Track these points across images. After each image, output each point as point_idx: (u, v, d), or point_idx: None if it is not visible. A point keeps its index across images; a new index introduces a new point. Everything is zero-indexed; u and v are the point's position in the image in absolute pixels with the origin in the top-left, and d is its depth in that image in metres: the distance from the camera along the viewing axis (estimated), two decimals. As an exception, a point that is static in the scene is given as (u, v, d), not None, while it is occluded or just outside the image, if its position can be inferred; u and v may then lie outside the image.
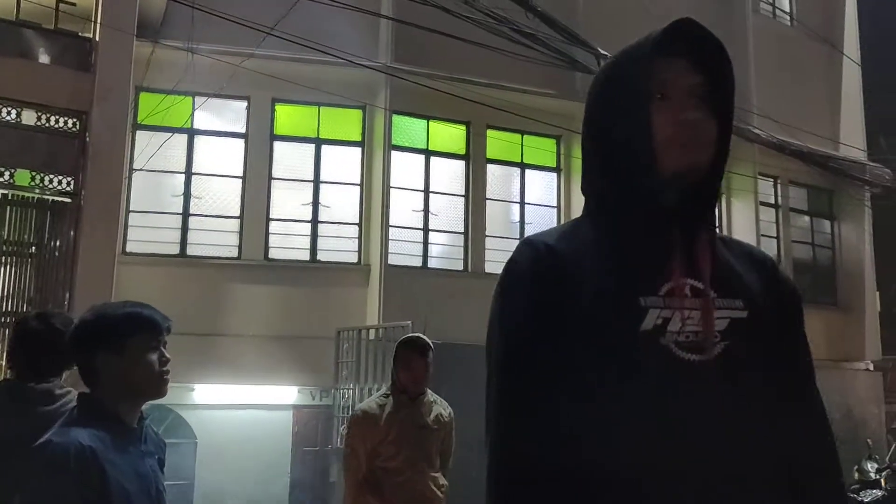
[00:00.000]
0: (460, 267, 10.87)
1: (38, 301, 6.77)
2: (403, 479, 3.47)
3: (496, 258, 11.06)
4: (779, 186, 13.09)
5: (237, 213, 9.88)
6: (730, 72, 1.29)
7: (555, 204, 11.62)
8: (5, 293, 6.79)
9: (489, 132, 11.08)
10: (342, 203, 10.38)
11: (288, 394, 10.00)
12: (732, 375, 1.23)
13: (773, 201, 13.06)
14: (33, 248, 6.76)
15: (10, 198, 6.72)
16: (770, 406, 1.27)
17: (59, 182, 6.67)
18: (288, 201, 10.18)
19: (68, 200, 6.69)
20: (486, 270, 10.89)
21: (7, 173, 6.49)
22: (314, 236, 10.16)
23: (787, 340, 1.33)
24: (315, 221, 10.20)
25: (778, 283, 1.37)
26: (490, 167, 11.19)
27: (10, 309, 6.74)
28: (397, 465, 3.47)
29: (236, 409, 9.60)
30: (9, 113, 6.40)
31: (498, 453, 1.27)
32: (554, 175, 11.71)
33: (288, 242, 10.09)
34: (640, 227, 1.28)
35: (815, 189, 13.45)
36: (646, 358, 1.21)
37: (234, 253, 9.79)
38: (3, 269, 6.82)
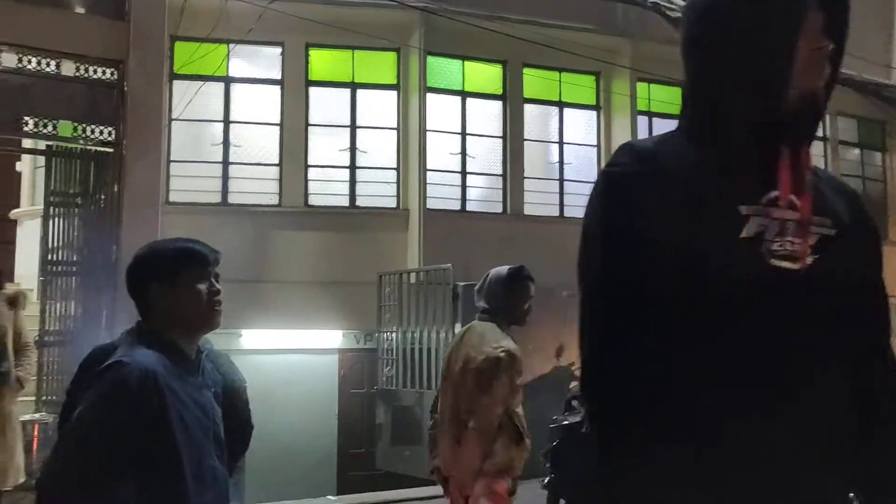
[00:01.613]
0: (499, 209, 10.81)
1: (86, 252, 6.90)
2: (522, 413, 3.45)
3: (535, 200, 10.97)
4: (827, 118, 12.65)
5: (276, 161, 9.91)
6: (848, 15, 1.36)
7: (595, 143, 11.41)
8: (55, 244, 6.94)
9: (526, 70, 10.86)
10: (379, 148, 10.33)
11: (333, 338, 10.16)
12: (821, 287, 1.28)
13: (821, 134, 12.65)
14: (79, 198, 6.87)
15: (54, 149, 6.81)
16: (847, 329, 1.31)
17: (101, 132, 6.71)
18: (325, 147, 10.17)
19: (110, 150, 6.75)
20: (526, 212, 10.81)
21: (51, 125, 6.56)
22: (353, 182, 10.17)
23: (866, 274, 1.39)
24: (353, 167, 10.19)
25: (865, 219, 1.43)
26: (528, 107, 11.00)
27: (59, 258, 6.89)
28: (522, 398, 3.45)
29: (284, 353, 9.79)
30: (48, 64, 6.42)
31: (593, 359, 1.31)
32: (593, 113, 11.48)
33: (327, 189, 10.12)
34: (746, 138, 1.31)
35: (866, 120, 12.97)
36: (743, 265, 1.25)
37: (275, 200, 9.86)
38: (52, 220, 6.96)
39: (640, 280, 1.26)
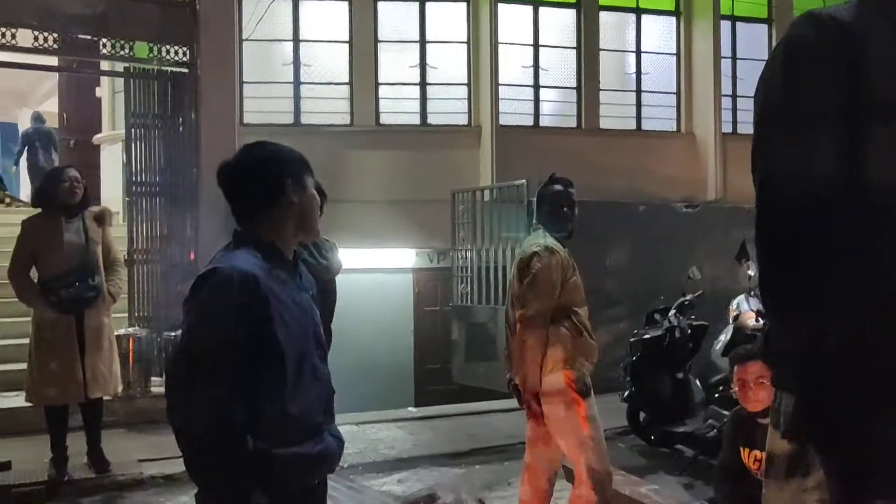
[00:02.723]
0: (573, 124, 10.53)
1: (168, 173, 7.06)
2: (588, 323, 3.44)
3: (611, 113, 10.63)
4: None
5: (346, 80, 9.83)
6: None
7: (674, 51, 10.89)
8: (138, 166, 7.11)
9: (601, -24, 10.36)
10: (450, 63, 10.11)
11: (407, 257, 10.25)
12: None
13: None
14: (158, 120, 6.98)
15: (132, 70, 6.90)
16: None
17: (176, 52, 6.76)
18: (395, 64, 10.01)
19: (186, 71, 6.80)
20: (601, 126, 10.51)
21: (127, 46, 6.63)
22: (423, 99, 10.03)
23: None
24: (423, 84, 10.03)
25: None
26: (603, 15, 10.54)
27: (143, 180, 7.07)
28: (585, 308, 3.44)
29: (359, 272, 9.91)
30: (122, -16, 6.48)
31: (771, 242, 1.28)
32: (672, 19, 10.91)
33: (398, 107, 10.02)
34: None
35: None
36: None
37: (347, 120, 9.83)
38: (134, 143, 7.11)
39: (824, 154, 1.21)
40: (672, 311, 5.76)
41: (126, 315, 6.90)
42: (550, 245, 3.40)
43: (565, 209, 3.53)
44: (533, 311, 3.33)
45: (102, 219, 4.96)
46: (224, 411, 1.70)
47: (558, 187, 3.56)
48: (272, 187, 1.89)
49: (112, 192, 9.58)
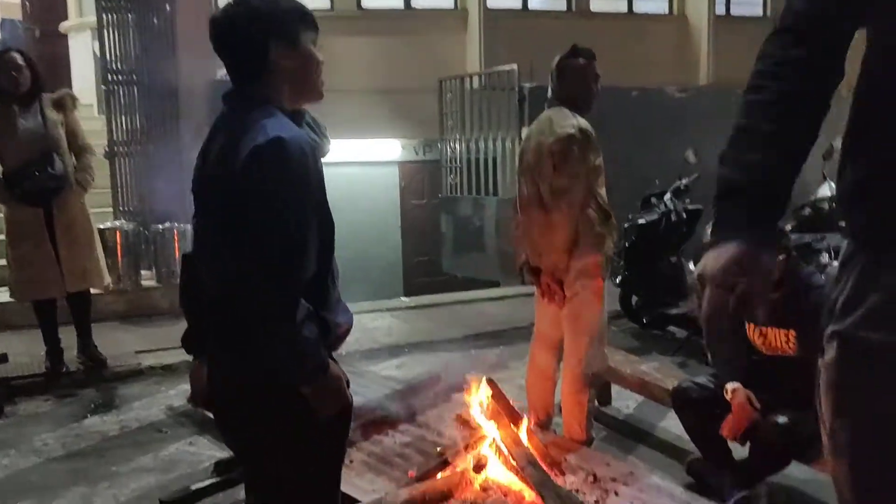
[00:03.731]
0: (563, 6, 10.17)
1: (145, 60, 6.75)
2: (605, 194, 3.31)
3: (602, -6, 10.25)
4: None
5: (325, -40, 9.33)
6: None
7: (669, -74, 10.41)
8: (113, 55, 6.79)
9: None
10: (434, -59, 9.61)
11: (392, 149, 10.04)
12: None
13: None
14: (131, 3, 6.60)
15: (98, -53, 6.49)
16: None
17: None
18: (376, -60, 9.50)
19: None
20: (592, 9, 10.15)
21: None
22: (406, -21, 9.57)
23: None
24: (406, -38, 9.55)
25: None
26: None
27: (120, 68, 6.76)
28: (604, 189, 3.30)
29: (343, 166, 9.72)
30: None
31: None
32: None
33: (380, -11, 9.57)
34: None
35: None
36: None
37: (327, 4, 9.39)
38: (106, 30, 6.76)
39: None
40: (668, 195, 5.71)
41: (111, 210, 6.76)
42: (584, 127, 3.22)
43: (594, 87, 3.34)
44: (569, 196, 3.21)
45: (62, 104, 4.60)
46: (305, 281, 1.63)
47: (583, 61, 3.34)
48: (257, 50, 1.69)
49: (84, 82, 9.20)
